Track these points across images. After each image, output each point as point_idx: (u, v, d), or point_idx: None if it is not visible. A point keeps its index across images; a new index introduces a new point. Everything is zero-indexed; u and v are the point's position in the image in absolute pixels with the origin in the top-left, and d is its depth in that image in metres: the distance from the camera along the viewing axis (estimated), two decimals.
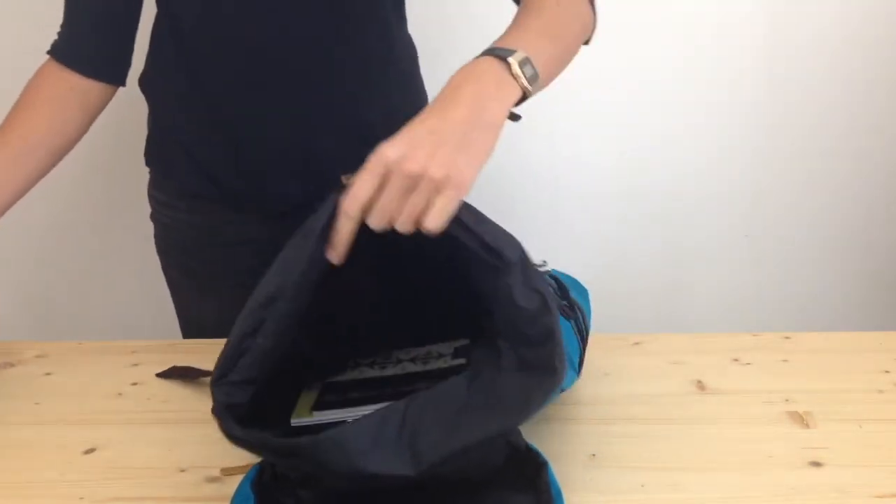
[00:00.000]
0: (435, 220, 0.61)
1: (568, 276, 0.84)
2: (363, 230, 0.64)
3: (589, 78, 1.67)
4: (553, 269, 0.84)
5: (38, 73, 0.97)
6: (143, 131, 1.10)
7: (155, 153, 1.09)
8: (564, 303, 0.77)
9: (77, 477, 0.72)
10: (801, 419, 0.77)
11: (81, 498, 0.69)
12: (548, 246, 1.79)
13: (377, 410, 0.58)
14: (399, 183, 0.61)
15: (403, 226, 0.62)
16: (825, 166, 1.75)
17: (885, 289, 1.83)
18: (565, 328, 0.72)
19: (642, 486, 0.68)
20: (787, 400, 0.81)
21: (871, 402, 0.80)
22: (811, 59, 1.67)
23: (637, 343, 0.95)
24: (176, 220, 1.09)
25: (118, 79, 1.00)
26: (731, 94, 1.70)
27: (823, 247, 1.81)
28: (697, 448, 0.73)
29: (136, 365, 0.94)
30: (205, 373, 0.87)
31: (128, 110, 1.07)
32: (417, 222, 0.62)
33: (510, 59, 0.70)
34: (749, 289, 1.84)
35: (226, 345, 0.62)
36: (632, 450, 0.73)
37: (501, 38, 0.75)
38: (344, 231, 0.63)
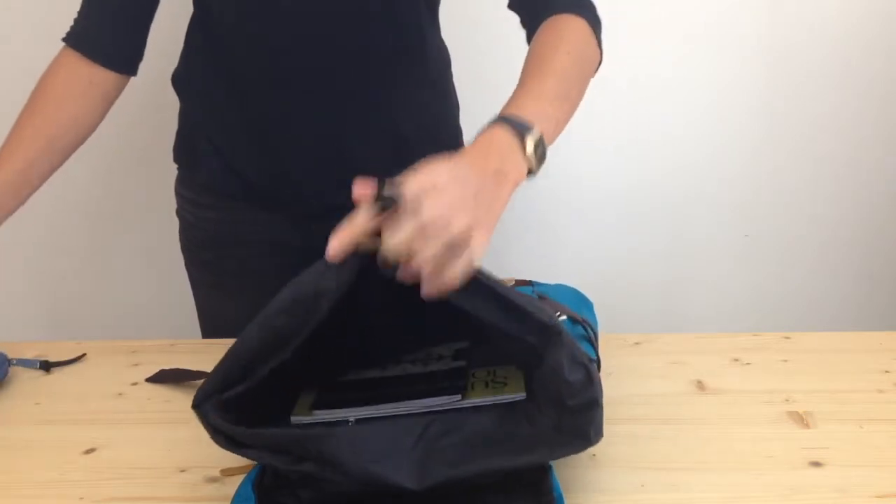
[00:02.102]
0: (453, 279, 0.59)
1: (570, 289, 0.84)
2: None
3: None
4: (554, 284, 0.83)
5: (55, 64, 0.97)
6: (172, 127, 1.11)
7: (184, 150, 1.09)
8: (579, 329, 0.77)
9: (77, 477, 0.72)
10: (801, 419, 0.77)
11: (81, 498, 0.69)
12: (547, 247, 1.79)
13: (398, 417, 0.58)
14: (435, 239, 0.59)
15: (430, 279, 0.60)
16: (825, 166, 1.75)
17: (885, 289, 1.83)
18: None
19: (642, 486, 0.68)
20: (787, 400, 0.81)
21: (871, 402, 0.80)
22: (810, 58, 1.67)
23: (637, 343, 0.95)
24: (201, 218, 1.09)
25: (132, 69, 1.01)
26: (730, 93, 1.70)
27: (823, 247, 1.81)
28: (697, 448, 0.73)
29: (136, 365, 0.94)
30: (195, 374, 0.87)
31: (157, 106, 1.07)
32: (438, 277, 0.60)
33: (527, 139, 0.69)
34: (749, 289, 1.84)
35: (225, 363, 0.61)
36: (632, 450, 0.73)
37: (519, 97, 0.75)
38: (351, 235, 0.60)
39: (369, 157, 0.97)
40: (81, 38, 0.97)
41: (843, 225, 1.79)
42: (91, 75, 0.97)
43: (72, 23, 0.98)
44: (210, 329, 1.14)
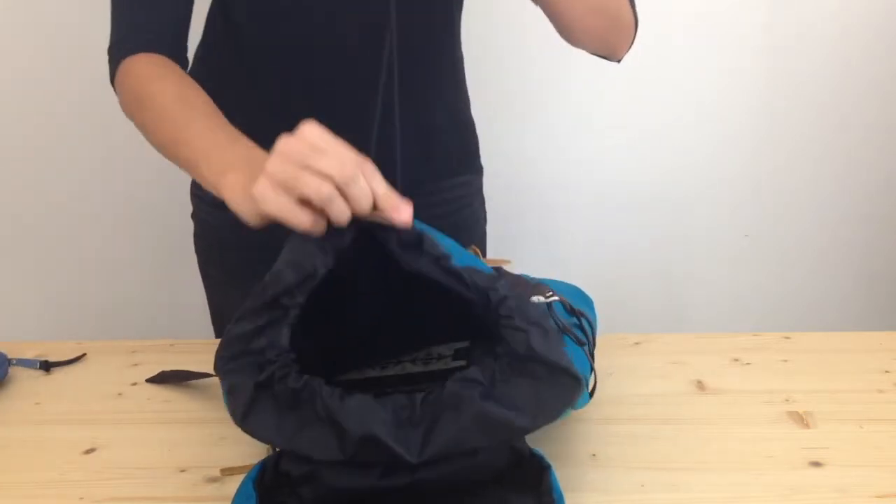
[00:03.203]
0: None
1: (570, 286, 0.84)
2: (366, 236, 0.64)
3: (585, 77, 1.67)
4: (554, 280, 0.83)
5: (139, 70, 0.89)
6: None
7: None
8: (574, 320, 0.76)
9: (77, 477, 0.72)
10: (801, 419, 0.77)
11: (81, 498, 0.69)
12: (547, 247, 1.79)
13: (393, 397, 0.59)
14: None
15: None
16: (825, 166, 1.75)
17: (885, 289, 1.83)
18: (577, 354, 0.72)
19: (642, 486, 0.68)
20: (787, 400, 0.81)
21: (871, 402, 0.80)
22: (810, 57, 1.67)
23: (637, 343, 0.95)
24: (220, 219, 1.08)
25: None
26: (730, 93, 1.70)
27: (823, 247, 1.81)
28: (697, 448, 0.73)
29: (136, 365, 0.94)
30: (196, 374, 0.87)
31: None
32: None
33: None
34: (749, 289, 1.84)
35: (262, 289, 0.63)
36: (632, 450, 0.73)
37: None
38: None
39: (393, 157, 0.96)
40: (144, 45, 0.89)
41: (843, 225, 1.79)
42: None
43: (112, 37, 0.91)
44: (223, 331, 1.14)
